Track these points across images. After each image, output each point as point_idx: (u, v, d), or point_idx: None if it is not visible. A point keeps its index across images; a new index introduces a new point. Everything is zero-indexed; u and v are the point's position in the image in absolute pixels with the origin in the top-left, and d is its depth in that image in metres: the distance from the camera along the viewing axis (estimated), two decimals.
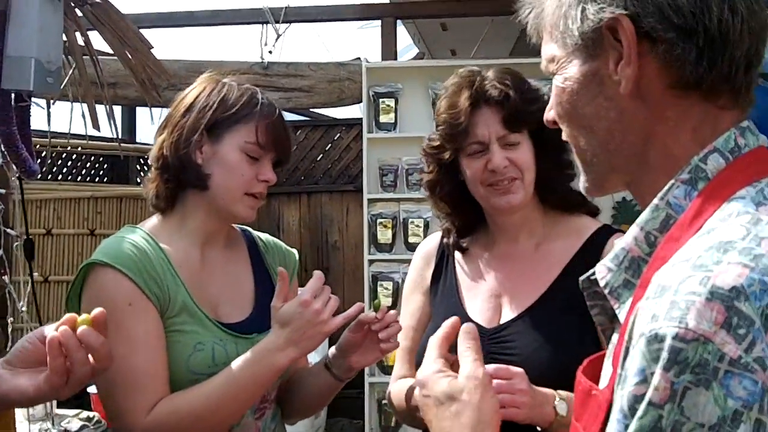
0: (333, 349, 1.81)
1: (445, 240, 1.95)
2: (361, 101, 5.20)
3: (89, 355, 1.23)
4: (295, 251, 2.01)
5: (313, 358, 1.98)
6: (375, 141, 5.07)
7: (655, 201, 0.92)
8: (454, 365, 1.22)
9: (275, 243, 1.98)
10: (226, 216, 1.77)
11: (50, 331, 1.23)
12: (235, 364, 1.63)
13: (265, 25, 5.46)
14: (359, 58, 5.40)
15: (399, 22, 5.84)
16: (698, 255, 0.81)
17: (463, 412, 1.10)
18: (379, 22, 5.61)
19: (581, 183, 1.05)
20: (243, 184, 1.72)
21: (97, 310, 1.27)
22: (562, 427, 1.50)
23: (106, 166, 6.42)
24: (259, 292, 1.84)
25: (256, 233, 1.96)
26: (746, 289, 0.76)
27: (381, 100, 5.06)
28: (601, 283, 0.95)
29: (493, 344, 1.74)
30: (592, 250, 1.78)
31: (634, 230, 0.93)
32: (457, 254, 1.94)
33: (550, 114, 1.04)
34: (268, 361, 1.62)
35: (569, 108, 0.99)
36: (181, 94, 1.79)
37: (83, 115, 2.37)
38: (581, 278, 1.01)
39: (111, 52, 2.51)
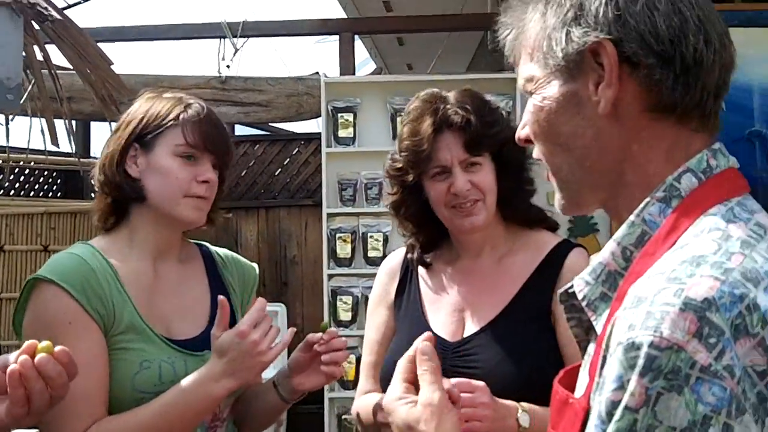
0: (282, 368, 1.81)
1: (409, 255, 1.97)
2: (319, 116, 5.22)
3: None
4: (255, 266, 2.00)
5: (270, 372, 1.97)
6: (334, 155, 5.08)
7: (631, 218, 0.96)
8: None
9: (234, 258, 1.96)
10: (172, 222, 1.75)
11: (11, 359, 1.22)
12: (172, 392, 1.62)
13: (222, 39, 5.45)
14: (317, 73, 5.42)
15: (356, 36, 5.87)
16: (672, 268, 0.85)
17: None
18: (335, 36, 5.63)
19: (556, 201, 1.07)
20: (180, 187, 1.71)
21: (59, 348, 1.26)
22: None
23: (59, 181, 6.33)
24: (214, 307, 1.80)
25: (213, 248, 1.94)
26: (717, 301, 0.81)
27: (339, 114, 5.08)
28: (579, 296, 0.98)
29: (457, 358, 1.77)
30: (552, 264, 1.82)
31: (611, 245, 0.97)
32: (421, 269, 1.97)
33: (523, 132, 1.07)
34: (204, 390, 1.61)
35: (547, 126, 1.02)
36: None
37: (42, 131, 2.35)
38: (559, 291, 1.04)
39: (66, 65, 2.49)
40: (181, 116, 1.73)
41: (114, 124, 1.80)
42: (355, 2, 7.46)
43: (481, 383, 1.60)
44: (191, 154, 1.73)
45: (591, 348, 1.01)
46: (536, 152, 1.07)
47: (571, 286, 1.00)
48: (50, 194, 6.27)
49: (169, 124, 1.72)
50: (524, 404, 1.66)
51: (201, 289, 1.84)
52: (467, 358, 1.76)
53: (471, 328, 1.82)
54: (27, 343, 1.24)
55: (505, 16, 1.09)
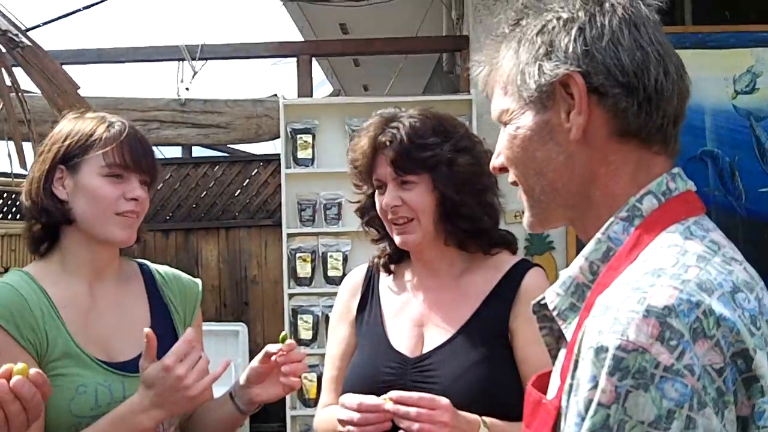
0: (240, 378, 1.81)
1: (376, 260, 2.01)
2: (278, 137, 5.26)
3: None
4: (198, 282, 1.99)
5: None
6: (293, 176, 5.13)
7: (598, 235, 1.06)
8: None
9: (175, 275, 1.95)
10: (103, 242, 1.75)
11: None
12: (103, 422, 1.61)
13: (181, 62, 5.48)
14: (276, 95, 5.47)
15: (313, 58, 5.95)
16: (636, 279, 0.95)
17: None
18: (292, 58, 5.70)
19: (525, 218, 1.17)
20: (108, 206, 1.72)
21: (34, 371, 1.29)
22: None
23: (18, 203, 6.29)
24: (156, 328, 1.76)
25: (154, 266, 1.94)
26: (676, 308, 0.91)
27: (298, 135, 5.13)
28: (550, 306, 1.09)
29: (416, 373, 1.81)
30: (510, 283, 1.87)
31: (579, 260, 1.07)
32: (382, 285, 2.00)
33: (497, 161, 1.17)
34: (131, 422, 1.60)
35: (521, 152, 1.11)
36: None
37: (9, 155, 2.38)
38: (532, 302, 1.14)
39: (32, 89, 2.52)
40: (104, 136, 1.73)
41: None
42: (311, 25, 7.56)
43: (444, 401, 1.65)
44: (118, 173, 1.73)
45: (561, 354, 1.10)
46: (511, 177, 1.16)
47: (543, 298, 1.11)
48: (9, 216, 6.23)
49: (94, 144, 1.72)
50: (486, 419, 1.70)
51: (141, 308, 1.84)
52: (426, 374, 1.80)
53: (430, 344, 1.85)
54: (3, 368, 1.27)
55: (479, 54, 1.20)
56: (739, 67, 4.78)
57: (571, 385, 0.95)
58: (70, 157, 1.72)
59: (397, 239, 1.88)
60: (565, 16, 1.08)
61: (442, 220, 1.86)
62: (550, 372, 1.15)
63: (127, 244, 1.79)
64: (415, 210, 1.84)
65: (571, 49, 1.05)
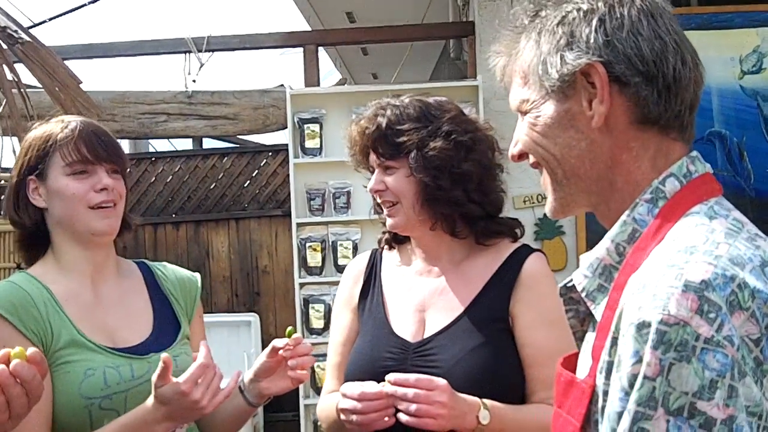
0: (249, 372, 1.85)
1: (382, 235, 2.06)
2: (286, 127, 5.27)
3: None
4: (197, 276, 2.05)
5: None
6: (301, 166, 5.14)
7: (623, 217, 1.10)
8: None
9: (174, 270, 2.02)
10: (85, 237, 1.81)
11: None
12: (114, 427, 1.66)
13: (188, 54, 5.50)
14: (282, 85, 5.47)
15: (321, 47, 5.94)
16: (669, 257, 0.99)
17: None
18: (299, 48, 5.70)
19: (547, 204, 1.21)
20: (79, 201, 1.77)
21: (31, 350, 1.32)
22: None
23: None
24: (157, 315, 1.89)
25: (152, 264, 2.01)
26: (713, 282, 0.95)
27: (306, 125, 5.14)
28: (578, 288, 1.12)
29: (417, 357, 1.83)
30: (510, 268, 1.89)
31: (605, 242, 1.11)
32: (384, 272, 2.03)
33: (516, 149, 1.21)
34: (144, 430, 1.65)
35: (542, 140, 1.15)
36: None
37: (14, 151, 2.39)
38: (560, 285, 1.17)
39: (35, 84, 2.53)
40: (59, 137, 1.79)
41: None
42: (318, 14, 7.54)
43: (442, 382, 1.67)
44: (81, 169, 1.79)
45: (590, 336, 1.13)
46: (532, 159, 1.19)
47: (570, 281, 1.14)
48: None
49: (52, 148, 1.78)
50: (487, 401, 1.72)
51: (143, 301, 1.90)
52: (427, 358, 1.82)
53: (431, 328, 1.87)
54: (1, 352, 1.30)
55: (497, 45, 1.24)
56: (745, 47, 4.77)
57: (609, 363, 1.00)
58: (35, 166, 1.79)
59: (387, 221, 1.94)
60: (584, 7, 1.11)
61: (425, 205, 1.88)
62: (577, 353, 1.18)
63: (110, 234, 1.84)
64: (396, 194, 1.88)
65: (592, 40, 1.09)
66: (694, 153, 1.13)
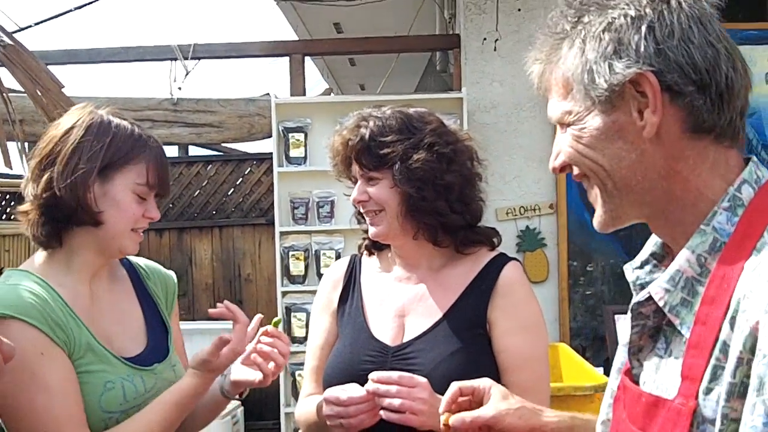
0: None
1: (363, 242, 2.07)
2: (271, 136, 5.29)
3: None
4: (173, 274, 2.04)
5: None
6: (285, 175, 5.15)
7: (702, 227, 1.06)
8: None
9: (155, 267, 2.00)
10: (114, 252, 1.78)
11: None
12: (167, 407, 1.69)
13: (173, 61, 5.50)
14: (268, 94, 5.49)
15: (308, 58, 5.96)
16: None
17: None
18: (287, 57, 5.72)
19: (596, 217, 1.17)
20: (131, 222, 1.75)
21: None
22: None
23: (12, 203, 6.32)
24: (149, 322, 1.87)
25: (134, 259, 1.95)
26: None
27: (290, 134, 5.15)
28: (660, 302, 1.08)
29: (396, 361, 1.86)
30: (488, 276, 1.92)
31: (685, 254, 1.06)
32: (364, 278, 2.05)
33: (557, 161, 1.17)
34: (197, 398, 1.73)
35: (590, 152, 1.11)
36: (62, 128, 1.74)
37: None
38: (632, 302, 1.12)
39: (17, 88, 2.53)
40: (145, 154, 1.75)
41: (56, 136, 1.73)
42: (305, 24, 7.57)
43: (423, 380, 1.70)
44: (147, 195, 1.76)
45: (677, 350, 1.07)
46: (576, 173, 1.16)
47: (645, 296, 1.10)
48: (3, 217, 6.25)
49: (133, 160, 1.73)
50: None
51: (132, 305, 1.88)
52: (407, 361, 1.85)
53: (411, 333, 1.90)
54: None
55: (534, 51, 1.18)
56: None
57: (732, 385, 0.95)
58: (107, 166, 1.71)
59: (370, 229, 1.95)
60: (632, 13, 1.07)
61: (408, 215, 1.91)
62: (627, 370, 1.15)
63: (131, 255, 1.85)
64: (380, 204, 1.91)
65: (642, 48, 1.05)
66: (754, 158, 1.10)
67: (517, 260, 1.98)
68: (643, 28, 1.05)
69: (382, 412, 1.70)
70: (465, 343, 1.85)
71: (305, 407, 1.97)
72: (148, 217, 1.78)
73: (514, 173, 5.12)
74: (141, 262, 1.97)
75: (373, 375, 1.72)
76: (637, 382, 1.14)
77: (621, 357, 1.25)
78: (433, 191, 1.88)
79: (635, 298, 1.12)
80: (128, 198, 1.73)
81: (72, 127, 1.72)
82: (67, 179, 1.68)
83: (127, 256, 1.92)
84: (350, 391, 1.74)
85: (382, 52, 5.98)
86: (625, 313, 3.62)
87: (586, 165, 1.13)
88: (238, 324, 1.75)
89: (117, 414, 1.68)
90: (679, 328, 1.05)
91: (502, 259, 1.96)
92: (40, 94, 2.38)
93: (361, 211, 1.96)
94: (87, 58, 5.71)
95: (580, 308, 5.08)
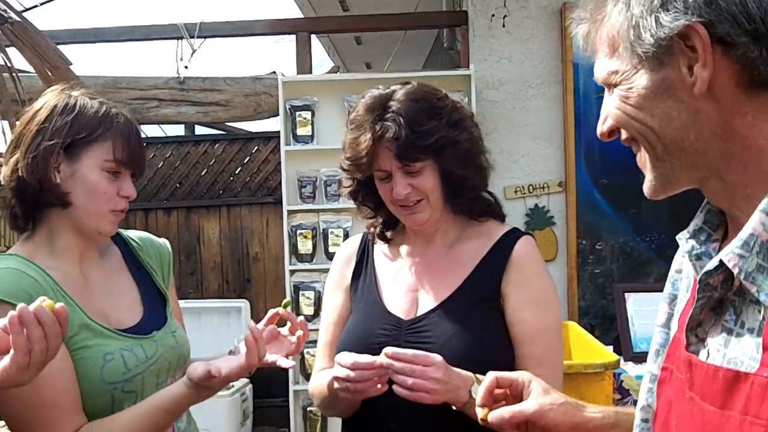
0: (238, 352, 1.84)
1: (372, 230, 2.06)
2: (277, 114, 5.27)
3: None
4: (166, 242, 2.02)
5: None
6: (293, 153, 5.14)
7: None
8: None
9: (148, 238, 1.98)
10: (92, 234, 1.76)
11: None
12: (162, 406, 1.67)
13: (180, 40, 5.48)
14: (275, 72, 5.47)
15: (314, 35, 5.94)
16: None
17: None
18: (293, 36, 5.70)
19: (646, 183, 1.10)
20: (106, 202, 1.72)
21: (59, 304, 1.35)
22: (473, 408, 1.58)
23: None
24: (143, 292, 1.86)
25: (125, 233, 1.94)
26: None
27: (297, 113, 5.13)
28: (734, 270, 0.99)
29: (410, 334, 1.87)
30: (501, 250, 1.93)
31: (758, 216, 0.98)
32: (377, 253, 2.06)
33: (606, 126, 1.10)
34: (184, 410, 1.72)
35: (638, 113, 1.05)
36: (31, 110, 1.74)
37: (2, 132, 2.39)
38: (702, 272, 1.04)
39: (25, 68, 2.52)
40: (111, 129, 1.71)
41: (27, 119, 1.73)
42: (311, 2, 7.52)
43: (438, 358, 1.70)
44: (117, 170, 1.73)
45: (751, 321, 1.00)
46: (625, 137, 1.09)
47: (717, 265, 1.01)
48: None
49: (100, 137, 1.70)
50: (480, 376, 1.71)
51: (126, 280, 1.87)
52: (420, 335, 1.86)
53: (424, 307, 1.91)
54: (20, 305, 1.32)
55: (579, 10, 1.12)
56: None
57: None
58: (71, 144, 1.69)
59: (408, 221, 1.94)
60: None
61: (449, 195, 1.92)
62: (676, 341, 1.09)
63: (110, 235, 1.82)
64: (424, 192, 1.89)
65: None
66: None
67: (530, 234, 2.00)
68: None
69: (394, 387, 1.70)
70: (478, 316, 1.87)
71: (319, 380, 1.98)
72: (123, 196, 1.75)
73: (522, 151, 5.10)
74: (133, 234, 1.96)
75: (388, 350, 1.72)
76: None
77: (658, 338, 1.20)
78: (473, 167, 1.92)
79: (705, 269, 1.03)
80: (97, 176, 1.71)
81: (39, 109, 1.72)
82: (29, 159, 1.67)
83: (119, 230, 1.90)
84: (359, 356, 1.74)
85: (389, 29, 5.94)
86: (636, 291, 3.60)
87: (634, 127, 1.06)
88: (243, 359, 1.66)
89: (121, 383, 1.68)
90: (756, 295, 0.97)
91: (515, 234, 1.97)
92: (48, 72, 2.37)
93: (401, 204, 1.90)
94: (93, 37, 5.69)
95: (589, 287, 5.07)
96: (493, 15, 5.09)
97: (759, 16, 0.96)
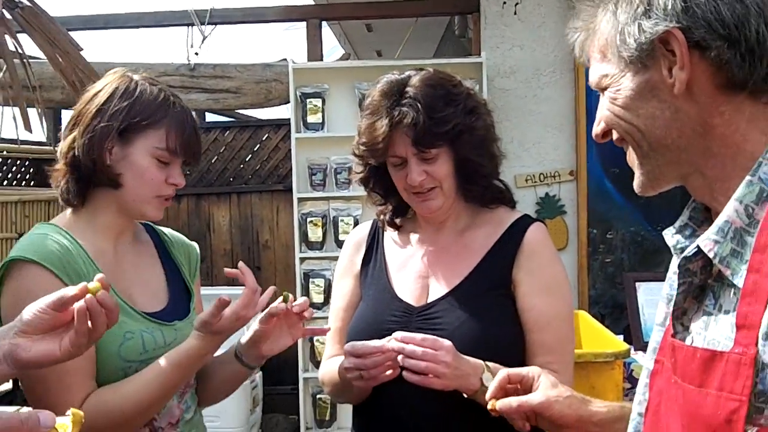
0: (242, 339, 1.85)
1: (382, 217, 2.05)
2: (288, 102, 5.26)
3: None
4: (195, 245, 2.06)
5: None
6: (303, 141, 5.14)
7: (748, 177, 1.06)
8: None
9: (178, 236, 2.03)
10: (135, 216, 1.82)
11: (58, 296, 1.39)
12: (167, 366, 1.68)
13: (190, 27, 5.47)
14: (285, 59, 5.46)
15: (324, 23, 5.92)
16: None
17: None
18: (304, 24, 5.68)
19: (636, 180, 1.18)
20: (153, 188, 1.76)
21: (99, 276, 1.41)
22: (484, 396, 1.62)
23: (32, 169, 6.34)
24: (170, 282, 1.90)
25: (159, 228, 2.00)
26: None
27: (308, 100, 5.13)
28: (710, 255, 1.07)
29: (421, 321, 1.87)
30: (512, 237, 1.93)
31: (733, 204, 1.06)
32: (386, 240, 2.05)
33: (599, 128, 1.20)
34: (199, 363, 1.73)
35: (625, 113, 1.14)
36: (92, 91, 1.79)
37: (14, 118, 2.39)
38: (680, 257, 1.11)
39: (36, 54, 2.52)
40: (167, 119, 1.75)
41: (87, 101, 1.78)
42: None
43: (447, 343, 1.70)
44: (168, 159, 1.76)
45: (727, 303, 1.07)
46: (615, 135, 1.17)
47: (694, 250, 1.09)
48: (23, 183, 6.28)
49: (154, 124, 1.74)
50: (490, 364, 1.74)
51: (155, 266, 1.91)
52: (431, 321, 1.86)
53: (435, 293, 1.91)
54: (80, 286, 1.40)
55: (575, 20, 1.21)
56: None
57: None
58: (126, 129, 1.73)
59: (420, 208, 1.93)
60: None
61: (462, 182, 1.92)
62: (667, 331, 1.15)
63: (155, 221, 1.86)
64: (438, 179, 1.88)
65: (670, 6, 1.07)
66: None
67: (542, 221, 2.00)
68: None
69: (404, 373, 1.70)
70: (489, 303, 1.87)
71: (329, 367, 1.98)
72: (171, 183, 1.78)
73: (533, 139, 5.08)
74: (165, 231, 2.01)
75: (397, 334, 1.72)
76: None
77: (656, 336, 1.25)
78: (487, 153, 1.92)
79: (683, 254, 1.11)
80: (147, 162, 1.75)
81: (100, 90, 1.77)
82: (86, 139, 1.72)
83: (150, 224, 1.97)
84: (368, 343, 1.75)
85: (401, 16, 5.91)
86: (646, 280, 3.61)
87: (621, 127, 1.15)
88: (247, 289, 1.72)
89: (136, 363, 1.71)
90: (730, 278, 1.05)
91: (526, 221, 1.97)
92: (59, 57, 2.37)
93: (415, 191, 1.90)
94: (103, 23, 5.69)
95: (600, 276, 5.06)
96: (504, 2, 5.07)
97: (733, 23, 1.05)
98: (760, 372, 0.98)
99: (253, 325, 1.82)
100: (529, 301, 1.87)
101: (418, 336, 1.71)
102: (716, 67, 1.06)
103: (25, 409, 1.17)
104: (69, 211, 1.81)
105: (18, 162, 6.17)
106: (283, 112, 6.12)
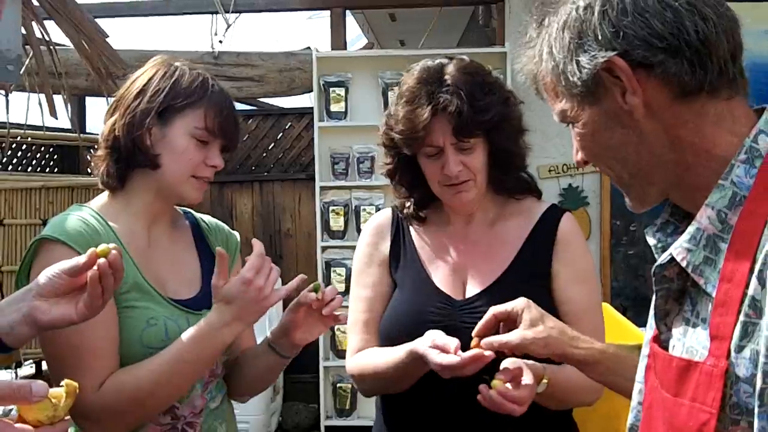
0: (274, 329, 1.83)
1: (405, 211, 1.99)
2: (311, 90, 5.26)
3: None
4: (236, 234, 2.04)
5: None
6: (326, 130, 5.14)
7: (720, 182, 1.03)
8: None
9: (217, 225, 2.01)
10: (173, 197, 1.82)
11: (71, 264, 1.44)
12: (182, 341, 1.66)
13: (215, 15, 5.48)
14: (309, 48, 5.45)
15: (348, 12, 5.91)
16: None
17: None
18: (328, 13, 5.67)
19: (627, 203, 1.17)
20: (190, 168, 1.76)
21: (112, 245, 1.45)
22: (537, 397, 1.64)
23: (56, 156, 6.39)
24: (205, 271, 1.86)
25: (198, 215, 1.99)
26: None
27: (331, 89, 5.13)
28: (683, 264, 1.05)
29: (465, 314, 1.83)
30: (546, 228, 1.92)
31: (705, 211, 1.03)
32: (413, 229, 2.00)
33: (579, 156, 1.17)
34: (213, 337, 1.66)
35: (596, 146, 1.12)
36: (133, 76, 1.81)
37: (40, 105, 2.40)
38: (655, 265, 1.09)
39: (61, 42, 2.53)
40: (205, 98, 1.76)
41: (112, 99, 1.80)
42: None
43: (530, 376, 1.66)
44: (206, 139, 1.77)
45: (703, 312, 1.04)
46: (597, 167, 1.17)
47: (667, 258, 1.07)
48: (47, 169, 6.33)
49: (192, 105, 1.75)
50: (548, 369, 1.72)
51: (190, 253, 1.89)
52: (475, 315, 1.78)
53: (473, 288, 1.88)
54: (89, 252, 1.44)
55: (521, 57, 1.19)
56: None
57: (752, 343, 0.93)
58: (166, 109, 1.74)
59: (453, 200, 1.90)
60: (581, 3, 1.06)
61: (496, 173, 1.91)
62: (656, 336, 1.13)
63: (194, 203, 1.85)
64: (474, 171, 1.86)
65: (600, 35, 1.04)
66: (767, 105, 1.07)
67: (570, 211, 1.99)
68: (596, 15, 1.04)
69: (480, 398, 1.64)
70: (530, 295, 1.79)
71: (372, 360, 1.90)
72: (210, 165, 1.79)
73: (556, 130, 5.04)
74: (205, 218, 2.00)
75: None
76: (666, 348, 1.11)
77: (650, 330, 1.22)
78: (521, 143, 1.92)
79: (657, 263, 1.09)
80: (186, 141, 1.75)
81: (140, 75, 1.80)
82: (126, 120, 1.75)
83: (191, 211, 1.97)
84: (460, 353, 1.66)
85: (425, 5, 5.88)
86: None
87: (600, 163, 1.14)
88: (252, 254, 1.67)
89: (158, 350, 1.69)
90: (704, 287, 1.02)
91: (556, 211, 1.96)
92: (84, 44, 2.38)
93: (449, 183, 1.86)
94: (127, 11, 5.72)
95: (622, 268, 5.03)
96: None
97: (667, 32, 1.01)
98: (734, 385, 0.96)
99: (282, 314, 1.81)
100: (566, 293, 1.87)
101: (511, 361, 1.66)
102: (666, 81, 1.03)
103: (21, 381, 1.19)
104: (106, 193, 1.83)
105: (42, 148, 6.22)
106: (306, 100, 6.12)
